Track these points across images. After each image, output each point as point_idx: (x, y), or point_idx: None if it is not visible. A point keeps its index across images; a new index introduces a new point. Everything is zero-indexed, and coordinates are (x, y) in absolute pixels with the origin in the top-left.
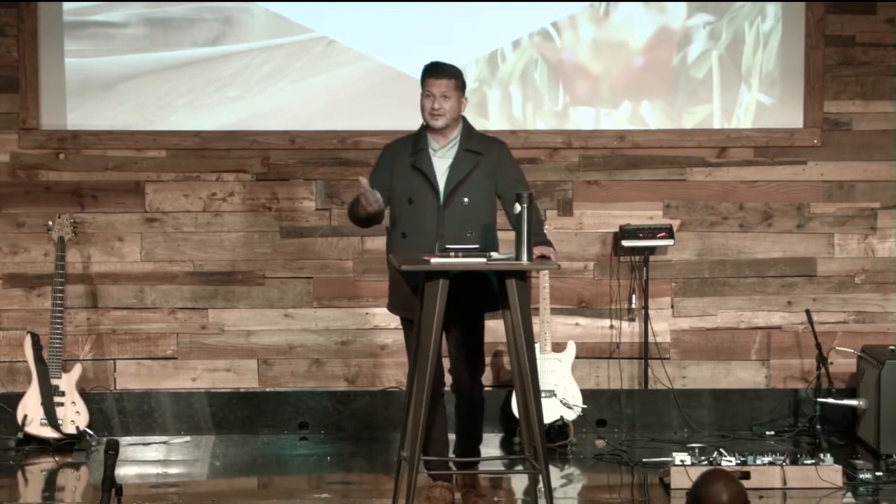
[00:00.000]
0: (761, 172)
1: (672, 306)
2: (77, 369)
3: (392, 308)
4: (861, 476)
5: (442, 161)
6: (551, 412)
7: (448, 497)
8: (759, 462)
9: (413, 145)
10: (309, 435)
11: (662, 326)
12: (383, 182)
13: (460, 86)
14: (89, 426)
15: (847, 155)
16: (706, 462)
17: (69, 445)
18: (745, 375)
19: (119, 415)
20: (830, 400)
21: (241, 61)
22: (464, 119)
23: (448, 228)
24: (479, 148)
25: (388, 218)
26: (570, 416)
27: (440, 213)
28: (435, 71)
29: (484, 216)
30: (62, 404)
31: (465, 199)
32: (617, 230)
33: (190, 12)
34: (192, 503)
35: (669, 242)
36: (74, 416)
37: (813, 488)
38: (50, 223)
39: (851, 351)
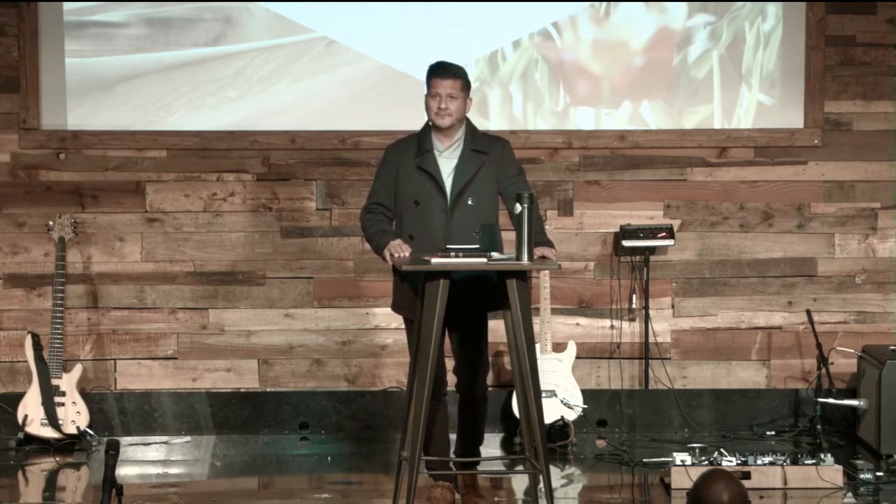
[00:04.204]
0: (762, 172)
1: (672, 306)
2: (77, 369)
3: (396, 308)
4: (862, 476)
5: (448, 162)
6: (552, 412)
7: (448, 497)
8: (759, 462)
9: (418, 146)
10: (309, 435)
11: (663, 326)
12: (388, 189)
13: (466, 86)
14: (90, 426)
15: (847, 155)
16: (707, 462)
17: (70, 445)
18: (746, 375)
19: (119, 415)
20: (831, 400)
21: (241, 61)
22: (467, 119)
23: (455, 229)
24: (484, 147)
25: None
26: (571, 416)
27: (448, 214)
28: (441, 71)
29: (489, 216)
30: (63, 404)
31: (470, 201)
32: (617, 230)
33: (190, 12)
34: (193, 503)
35: (670, 242)
36: (75, 416)
37: (813, 488)
38: (50, 223)
39: (852, 351)
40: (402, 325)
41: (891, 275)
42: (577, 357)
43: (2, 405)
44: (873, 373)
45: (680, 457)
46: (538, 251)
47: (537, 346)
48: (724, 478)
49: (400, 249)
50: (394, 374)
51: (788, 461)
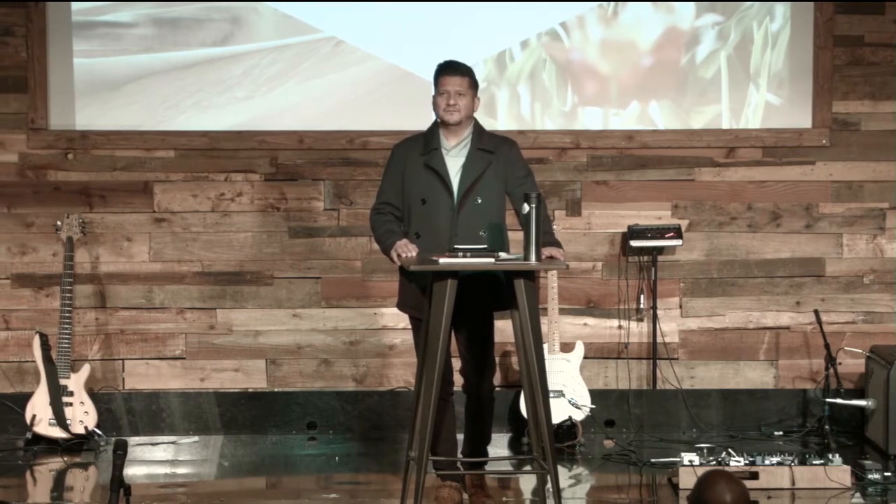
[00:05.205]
0: (770, 172)
1: (680, 306)
2: (85, 369)
3: (402, 307)
4: (870, 476)
5: (455, 160)
6: (560, 412)
7: (456, 497)
8: (767, 462)
9: (425, 144)
10: (317, 435)
11: (671, 326)
12: (396, 188)
13: (473, 84)
14: (98, 426)
15: (855, 155)
16: (714, 462)
17: (78, 445)
18: (754, 375)
19: (127, 415)
20: (839, 400)
21: (249, 61)
22: (475, 119)
23: (462, 228)
24: (491, 147)
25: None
26: (579, 416)
27: (454, 213)
28: (449, 69)
29: (495, 215)
30: (71, 404)
31: (479, 199)
32: (625, 230)
33: (198, 12)
34: (201, 503)
35: (678, 242)
36: (83, 416)
37: (821, 488)
38: (58, 223)
39: (860, 351)
40: (410, 325)
41: None
42: (585, 357)
43: (10, 405)
44: (881, 373)
45: (688, 457)
46: (546, 251)
47: (545, 346)
48: (724, 478)
49: (406, 249)
50: (401, 374)
51: (796, 461)
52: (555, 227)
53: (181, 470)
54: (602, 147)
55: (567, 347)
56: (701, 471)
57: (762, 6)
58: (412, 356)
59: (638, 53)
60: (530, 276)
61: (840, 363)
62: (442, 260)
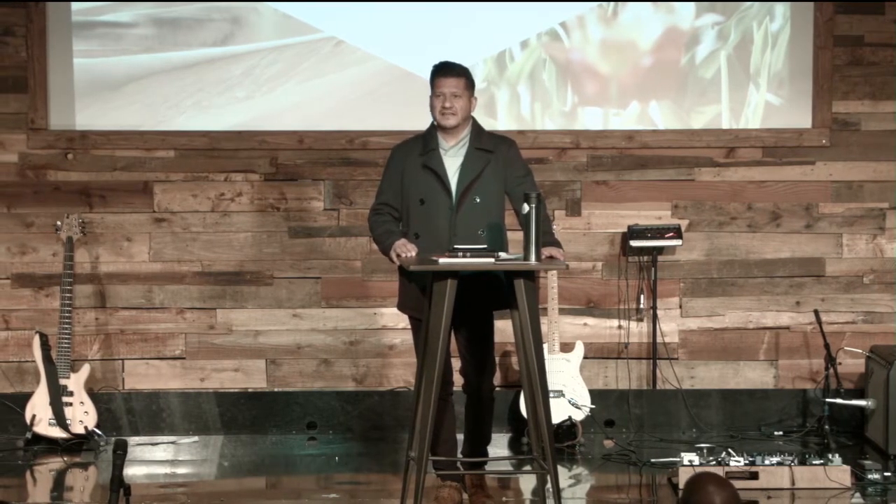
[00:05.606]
0: (770, 172)
1: (680, 306)
2: (85, 369)
3: (402, 307)
4: (869, 476)
5: (453, 160)
6: (559, 412)
7: (456, 497)
8: (767, 462)
9: (423, 145)
10: (317, 435)
11: (671, 326)
12: (394, 188)
13: (470, 85)
14: (98, 426)
15: (855, 155)
16: (714, 462)
17: (77, 445)
18: (754, 376)
19: (127, 415)
20: (839, 400)
21: (249, 61)
22: (473, 118)
23: (461, 228)
24: (490, 146)
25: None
26: (579, 416)
27: (452, 212)
28: (445, 70)
29: (494, 215)
30: (70, 404)
31: (477, 199)
32: (625, 230)
33: (198, 12)
34: (201, 503)
35: (678, 242)
36: (83, 416)
37: (821, 488)
38: (58, 223)
39: (860, 351)
40: (410, 326)
41: None
42: (585, 357)
43: (10, 405)
44: (881, 373)
45: (688, 457)
46: (546, 251)
47: (545, 346)
48: (713, 481)
49: (405, 249)
50: (401, 374)
51: (796, 461)
52: (555, 227)
53: (181, 470)
54: (602, 147)
55: (567, 347)
56: (700, 471)
57: (762, 6)
58: (412, 356)
59: (638, 53)
60: (530, 276)
61: (840, 363)
62: (442, 260)
